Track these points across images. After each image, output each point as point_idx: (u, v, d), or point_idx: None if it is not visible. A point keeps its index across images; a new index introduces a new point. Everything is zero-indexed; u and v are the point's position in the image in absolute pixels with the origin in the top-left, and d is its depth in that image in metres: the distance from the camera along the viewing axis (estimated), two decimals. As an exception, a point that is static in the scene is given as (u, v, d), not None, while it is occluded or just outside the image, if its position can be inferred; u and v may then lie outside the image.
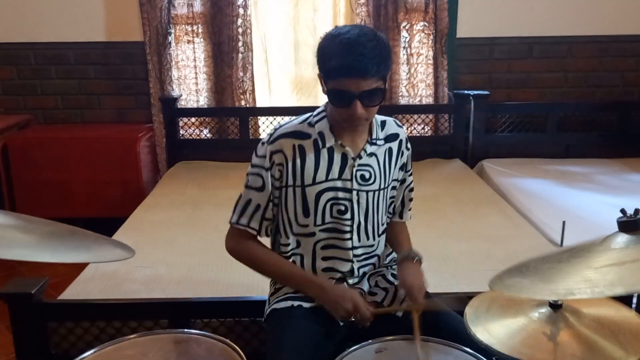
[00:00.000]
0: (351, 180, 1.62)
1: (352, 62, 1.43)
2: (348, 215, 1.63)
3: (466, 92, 3.96)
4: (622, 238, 1.03)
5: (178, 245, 2.62)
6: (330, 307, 1.55)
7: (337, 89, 1.48)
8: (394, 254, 1.81)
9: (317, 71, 1.57)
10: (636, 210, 1.02)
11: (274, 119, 3.99)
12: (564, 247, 1.20)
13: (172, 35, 3.89)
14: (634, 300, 1.87)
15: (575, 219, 2.71)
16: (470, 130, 4.00)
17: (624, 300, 1.69)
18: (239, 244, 1.67)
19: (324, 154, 1.60)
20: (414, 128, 4.07)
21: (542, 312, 1.30)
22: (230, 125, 4.04)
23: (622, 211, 1.03)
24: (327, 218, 1.63)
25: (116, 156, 3.75)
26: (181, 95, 3.98)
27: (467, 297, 1.46)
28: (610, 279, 0.98)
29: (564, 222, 1.25)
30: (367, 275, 1.71)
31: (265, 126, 4.06)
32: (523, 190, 3.37)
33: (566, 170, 3.76)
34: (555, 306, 1.29)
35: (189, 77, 3.99)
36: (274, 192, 1.63)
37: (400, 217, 1.80)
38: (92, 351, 1.37)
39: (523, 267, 1.19)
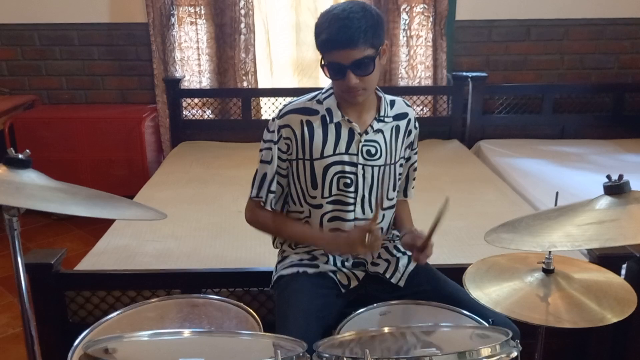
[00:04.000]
0: (357, 155, 1.69)
1: (338, 34, 1.51)
2: (352, 189, 1.71)
3: (464, 74, 4.04)
4: (606, 200, 1.13)
5: (186, 221, 2.69)
6: (345, 245, 1.62)
7: (330, 61, 1.57)
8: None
9: (317, 52, 1.65)
10: (620, 176, 1.11)
11: (276, 99, 4.07)
12: (555, 207, 1.29)
13: (175, 16, 3.94)
14: (623, 272, 1.98)
15: (569, 197, 2.77)
16: (468, 112, 4.07)
17: (615, 269, 1.80)
18: (255, 214, 1.77)
19: (332, 129, 1.68)
20: (413, 109, 4.12)
21: (536, 277, 1.40)
22: (233, 106, 4.11)
23: (608, 177, 1.13)
24: (334, 190, 1.71)
25: (121, 136, 3.82)
26: (184, 77, 4.04)
27: (465, 269, 1.55)
28: (589, 235, 1.09)
29: (557, 193, 1.34)
30: None
31: (267, 107, 4.13)
32: (519, 169, 3.45)
33: (561, 150, 3.84)
34: (547, 271, 1.39)
35: (192, 59, 4.04)
36: (282, 165, 1.71)
37: (405, 195, 1.88)
38: (115, 313, 1.46)
39: (516, 223, 1.30)
